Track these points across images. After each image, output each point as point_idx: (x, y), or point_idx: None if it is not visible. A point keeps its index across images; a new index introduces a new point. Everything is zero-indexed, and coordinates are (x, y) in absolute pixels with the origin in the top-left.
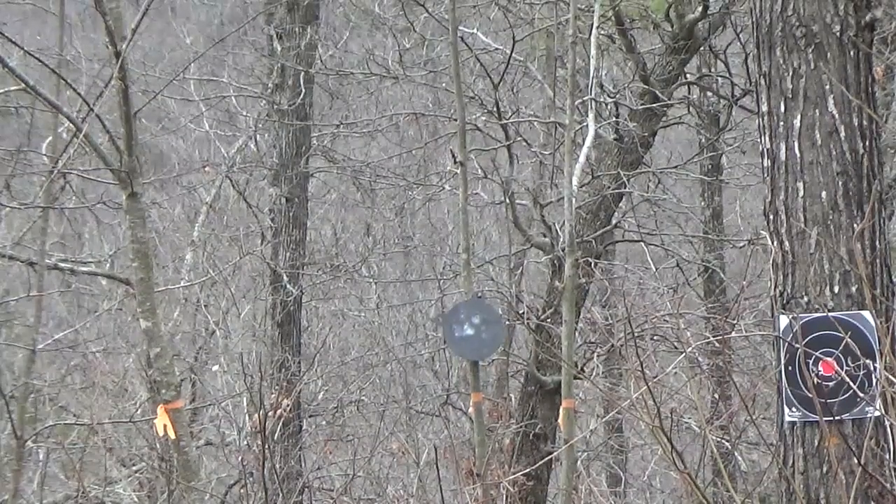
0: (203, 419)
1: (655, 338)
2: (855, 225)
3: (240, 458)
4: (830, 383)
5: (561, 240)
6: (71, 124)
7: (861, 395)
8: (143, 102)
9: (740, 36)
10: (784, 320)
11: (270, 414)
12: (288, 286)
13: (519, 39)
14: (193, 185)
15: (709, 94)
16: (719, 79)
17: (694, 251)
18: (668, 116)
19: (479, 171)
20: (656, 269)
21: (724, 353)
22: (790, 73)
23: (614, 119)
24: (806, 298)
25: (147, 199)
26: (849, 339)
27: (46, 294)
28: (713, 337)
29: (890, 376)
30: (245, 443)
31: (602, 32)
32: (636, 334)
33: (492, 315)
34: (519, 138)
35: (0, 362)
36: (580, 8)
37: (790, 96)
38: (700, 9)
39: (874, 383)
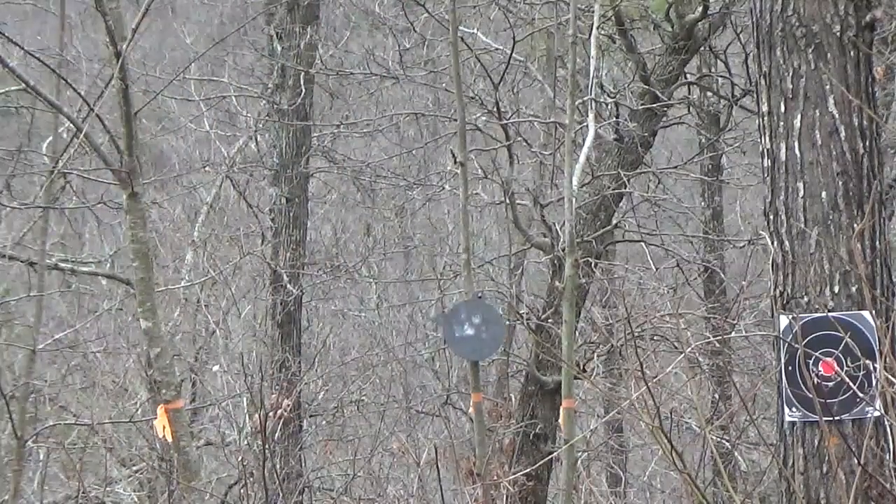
0: (203, 419)
1: (655, 338)
2: (855, 225)
3: (240, 458)
4: (830, 383)
5: (561, 240)
6: (71, 124)
7: (861, 395)
8: (143, 102)
9: (740, 36)
10: (784, 320)
11: (270, 414)
12: (288, 286)
13: (519, 39)
14: (193, 185)
15: (709, 94)
16: (719, 79)
17: (694, 251)
18: (668, 116)
19: (479, 171)
20: (656, 269)
21: (724, 353)
22: (790, 73)
23: (614, 119)
24: (806, 298)
25: (147, 199)
26: (849, 339)
27: (46, 294)
28: (713, 337)
29: (890, 376)
30: (245, 443)
31: (602, 32)
32: (636, 334)
33: (492, 315)
34: (519, 138)
35: (0, 362)
36: (580, 8)
37: (790, 96)
38: (700, 9)
39: (874, 383)
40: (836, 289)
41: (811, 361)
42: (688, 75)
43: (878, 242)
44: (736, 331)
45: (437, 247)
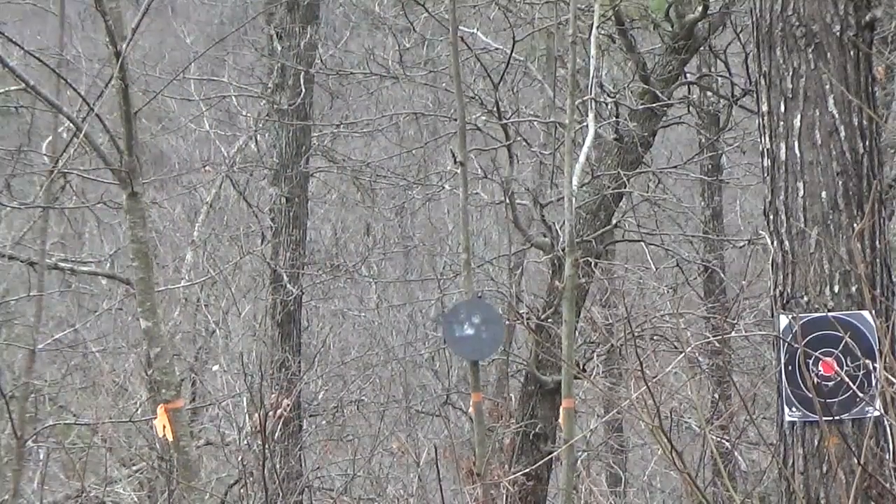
0: (203, 419)
1: (655, 338)
2: (855, 225)
3: (240, 458)
4: (830, 383)
5: (561, 240)
6: (71, 124)
7: (861, 395)
8: (143, 102)
9: (740, 36)
10: (784, 320)
11: (270, 414)
12: (288, 286)
13: (519, 39)
14: (193, 185)
15: (709, 94)
16: (719, 79)
17: (694, 251)
18: (668, 116)
19: (479, 171)
20: (656, 269)
21: (724, 353)
22: (790, 73)
23: (614, 119)
24: (806, 298)
25: (147, 199)
26: (849, 339)
27: (46, 294)
28: (713, 337)
29: (890, 376)
30: (245, 443)
31: (602, 32)
32: (636, 334)
33: (492, 315)
34: (519, 138)
35: (0, 362)
36: (580, 8)
37: (790, 96)
38: (700, 9)
39: (874, 383)
40: (836, 289)
41: (811, 361)
42: (688, 75)
43: (878, 242)
44: (736, 331)
45: (437, 247)
